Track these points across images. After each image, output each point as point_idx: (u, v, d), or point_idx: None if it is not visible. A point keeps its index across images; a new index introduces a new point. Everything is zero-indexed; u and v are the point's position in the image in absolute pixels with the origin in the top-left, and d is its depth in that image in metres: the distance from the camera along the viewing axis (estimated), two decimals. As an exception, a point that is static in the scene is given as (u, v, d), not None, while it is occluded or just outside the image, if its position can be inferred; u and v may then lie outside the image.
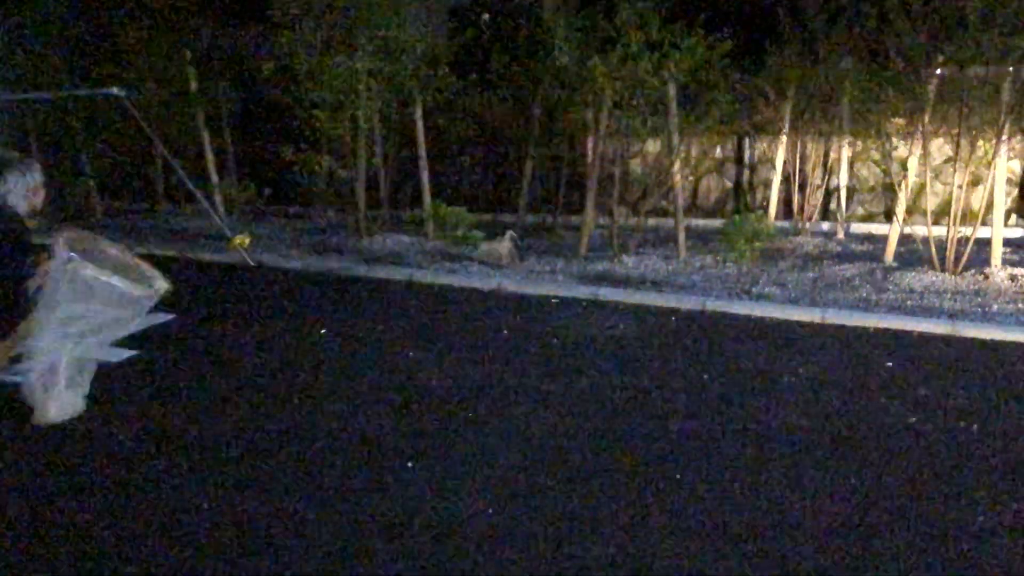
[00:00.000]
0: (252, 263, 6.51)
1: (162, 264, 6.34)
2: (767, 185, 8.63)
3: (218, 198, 7.89)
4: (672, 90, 6.95)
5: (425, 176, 7.68)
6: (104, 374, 4.41)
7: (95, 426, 3.82)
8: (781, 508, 3.17)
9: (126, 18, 7.93)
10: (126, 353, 4.67)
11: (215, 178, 8.24)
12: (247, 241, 6.62)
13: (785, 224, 8.05)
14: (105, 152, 8.26)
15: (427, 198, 7.68)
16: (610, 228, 7.26)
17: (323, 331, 5.10)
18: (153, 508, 3.14)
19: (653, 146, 8.35)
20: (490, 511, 3.13)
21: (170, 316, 5.26)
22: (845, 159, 8.23)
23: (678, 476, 3.39)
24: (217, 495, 3.24)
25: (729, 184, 9.18)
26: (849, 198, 8.45)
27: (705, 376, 4.46)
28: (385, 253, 7.06)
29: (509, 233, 6.82)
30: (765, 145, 8.84)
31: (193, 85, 8.12)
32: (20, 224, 3.97)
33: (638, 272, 6.55)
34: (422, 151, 7.66)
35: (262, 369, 4.53)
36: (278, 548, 2.89)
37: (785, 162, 8.29)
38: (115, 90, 6.31)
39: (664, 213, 8.25)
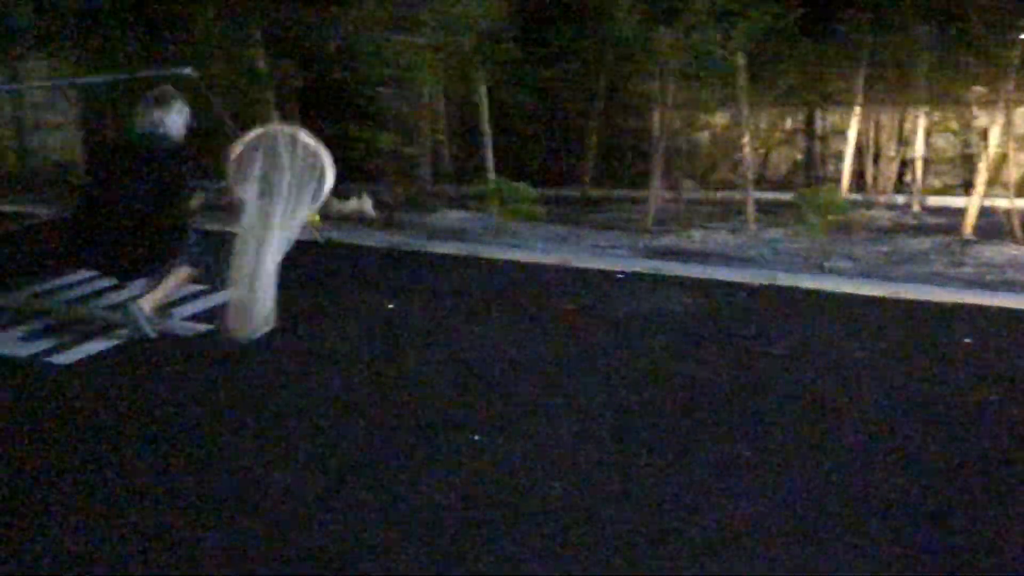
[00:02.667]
0: (321, 240, 6.61)
1: (232, 240, 6.48)
2: (839, 157, 8.41)
3: (287, 176, 8.00)
4: (740, 59, 6.80)
5: (489, 151, 7.67)
6: (184, 346, 4.54)
7: (165, 398, 3.94)
8: (848, 487, 3.11)
9: (197, 1, 8.07)
10: (200, 327, 4.79)
11: (284, 156, 8.36)
12: (317, 219, 6.70)
13: (857, 197, 7.84)
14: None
15: (491, 173, 7.67)
16: (676, 201, 7.17)
17: (390, 305, 5.15)
18: (209, 478, 3.22)
19: (721, 118, 8.20)
20: (556, 485, 3.14)
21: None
22: (921, 129, 7.96)
23: (747, 454, 3.35)
24: (282, 467, 3.31)
25: (799, 156, 8.97)
26: (925, 170, 8.18)
27: (774, 351, 4.39)
28: (449, 228, 7.10)
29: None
30: (837, 116, 8.60)
31: (261, 65, 8.23)
32: (186, 152, 4.82)
33: (705, 246, 6.47)
34: (485, 126, 7.65)
35: (330, 343, 4.61)
36: (342, 520, 2.94)
37: (858, 133, 8.06)
38: (187, 70, 6.43)
39: (732, 186, 8.11)
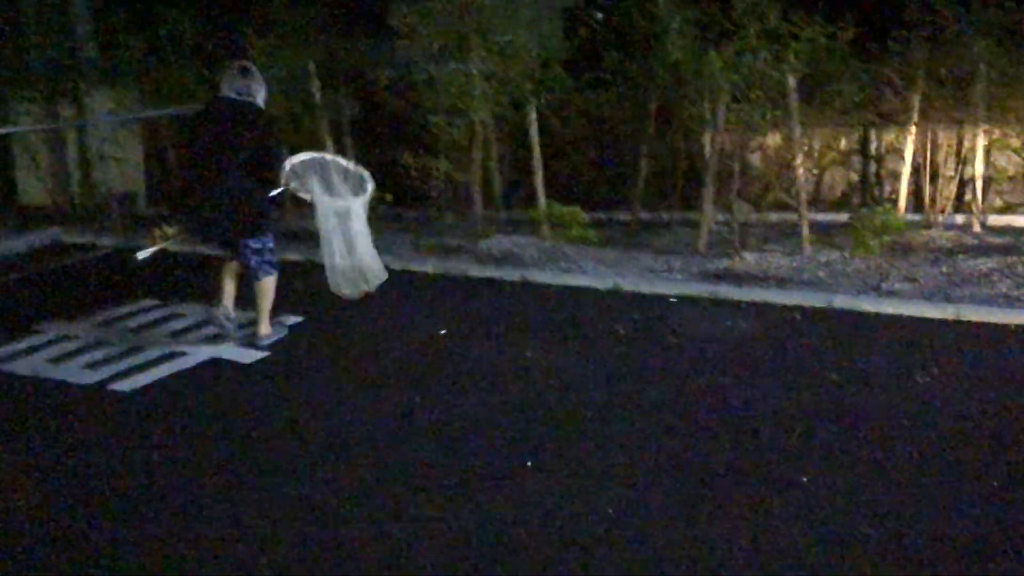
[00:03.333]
0: (374, 266, 6.69)
1: (290, 267, 6.61)
2: (895, 177, 8.25)
3: (341, 204, 8.13)
4: (792, 81, 6.74)
5: (539, 176, 7.70)
6: (242, 373, 4.63)
7: (229, 417, 4.01)
8: (918, 519, 3.05)
9: (254, 33, 8.26)
10: (257, 354, 4.88)
11: (338, 184, 8.51)
12: (367, 244, 6.80)
13: (915, 217, 7.67)
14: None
15: (541, 198, 7.70)
16: (729, 224, 7.11)
17: (442, 331, 5.19)
18: (270, 497, 3.27)
19: (773, 139, 8.11)
20: (610, 511, 3.12)
21: (298, 319, 5.46)
22: (981, 147, 7.78)
23: (804, 480, 3.31)
24: (343, 485, 3.35)
25: (855, 176, 8.82)
26: (985, 189, 7.99)
27: (832, 375, 4.32)
28: (500, 253, 7.12)
29: None
30: (892, 135, 8.44)
31: (317, 95, 8.39)
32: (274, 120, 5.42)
33: (759, 269, 6.40)
34: (536, 152, 7.68)
35: (386, 367, 4.66)
36: (395, 541, 2.97)
37: (914, 152, 7.91)
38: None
39: (786, 208, 8.00)
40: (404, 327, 5.33)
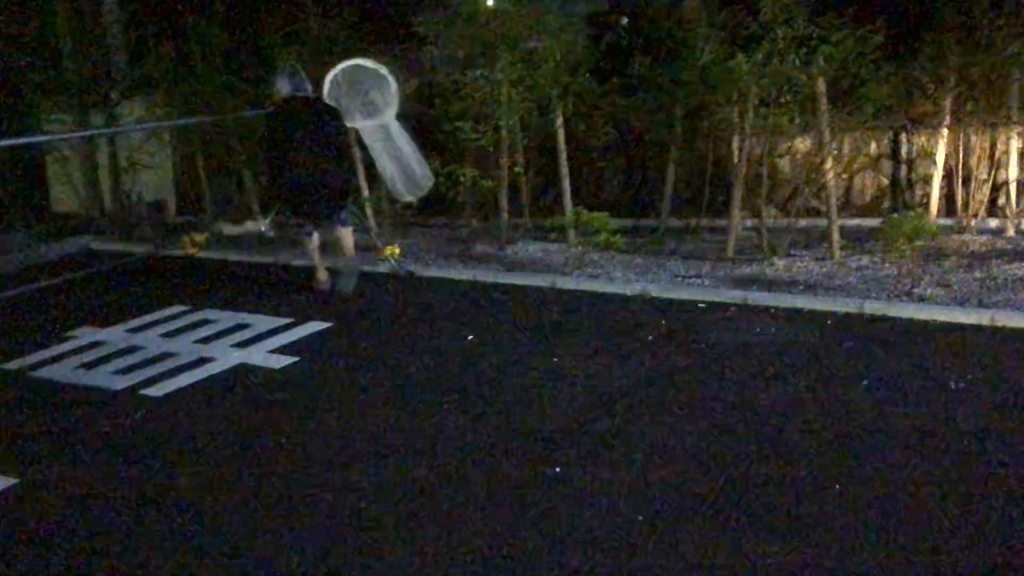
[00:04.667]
0: (402, 272, 6.71)
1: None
2: (927, 181, 8.15)
3: (369, 210, 8.16)
4: (821, 85, 6.68)
5: (566, 183, 7.69)
6: (271, 378, 4.66)
7: (259, 423, 4.03)
8: (952, 524, 2.99)
9: (284, 42, 8.32)
10: (286, 360, 4.90)
11: (366, 191, 8.54)
12: (398, 251, 6.82)
13: (948, 222, 7.57)
14: (264, 168, 8.68)
15: (568, 205, 7.68)
16: (758, 229, 7.05)
17: (470, 337, 5.18)
18: (296, 499, 3.27)
19: (802, 144, 8.04)
20: (640, 519, 3.10)
21: (326, 325, 5.48)
22: (1015, 151, 7.66)
23: (837, 487, 3.26)
24: (371, 490, 3.34)
25: (885, 181, 8.73)
26: (1019, 192, 7.87)
27: (865, 382, 4.26)
28: (527, 260, 7.11)
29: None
30: (924, 139, 8.35)
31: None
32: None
33: (789, 274, 6.34)
34: (563, 158, 7.67)
35: (414, 373, 4.65)
36: (424, 545, 2.96)
37: (947, 156, 7.81)
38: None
39: (815, 213, 7.93)
40: (432, 333, 5.34)
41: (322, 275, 6.34)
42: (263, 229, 7.76)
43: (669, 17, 7.95)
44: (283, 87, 6.18)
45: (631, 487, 3.33)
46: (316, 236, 6.29)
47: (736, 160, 7.21)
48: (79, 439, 3.99)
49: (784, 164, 8.46)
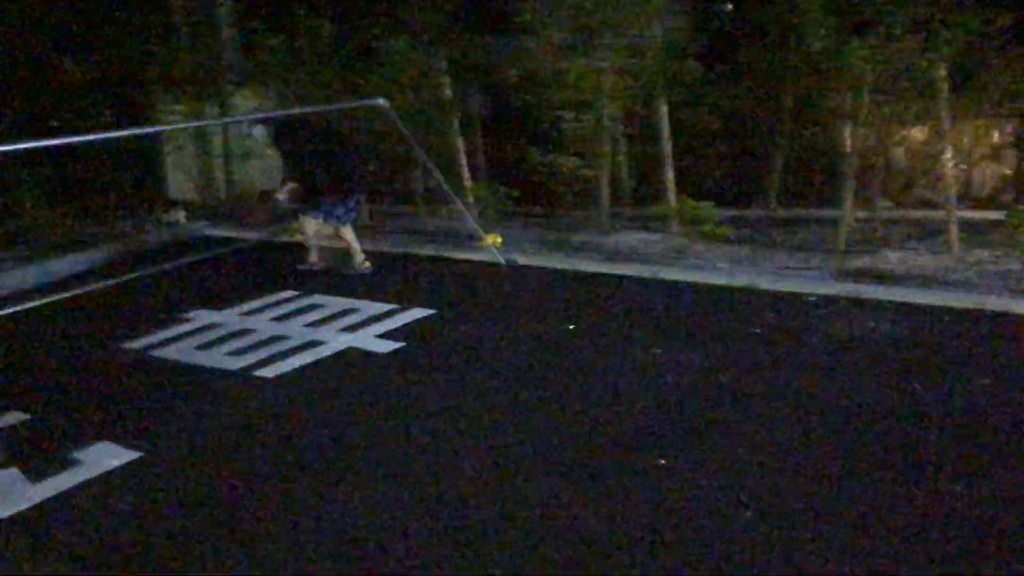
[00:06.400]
0: (503, 261, 6.74)
1: (421, 262, 6.74)
2: (1054, 171, 7.74)
3: (471, 199, 8.23)
4: (941, 70, 6.39)
5: (669, 171, 7.59)
6: (377, 362, 4.75)
7: (366, 404, 4.11)
8: (1088, 530, 2.83)
9: (387, 33, 8.46)
10: (393, 344, 4.99)
11: (468, 181, 8.62)
12: (499, 240, 6.86)
13: (1077, 214, 7.16)
14: (369, 159, 8.86)
15: (671, 193, 7.58)
16: (870, 221, 6.82)
17: (570, 326, 5.17)
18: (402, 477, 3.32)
19: (919, 132, 7.72)
20: (748, 514, 3.04)
21: (430, 312, 5.56)
22: None
23: (958, 488, 3.13)
24: (473, 473, 3.37)
25: (1008, 172, 8.31)
26: None
27: (985, 381, 4.07)
28: (628, 250, 7.05)
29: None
30: (1051, 127, 7.91)
31: (447, 93, 8.52)
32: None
33: (903, 268, 6.10)
34: (667, 147, 7.57)
35: (514, 360, 4.68)
36: (524, 531, 2.97)
37: (1077, 145, 7.39)
38: (380, 101, 6.75)
39: (931, 204, 7.61)
40: (532, 322, 5.34)
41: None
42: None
43: (776, 1, 7.73)
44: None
45: (737, 482, 3.26)
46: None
47: (848, 149, 6.97)
48: (197, 416, 4.15)
49: (899, 153, 8.15)
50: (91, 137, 7.02)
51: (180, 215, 8.93)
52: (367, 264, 6.81)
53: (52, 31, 9.10)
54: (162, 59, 9.17)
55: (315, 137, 6.93)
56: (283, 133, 6.87)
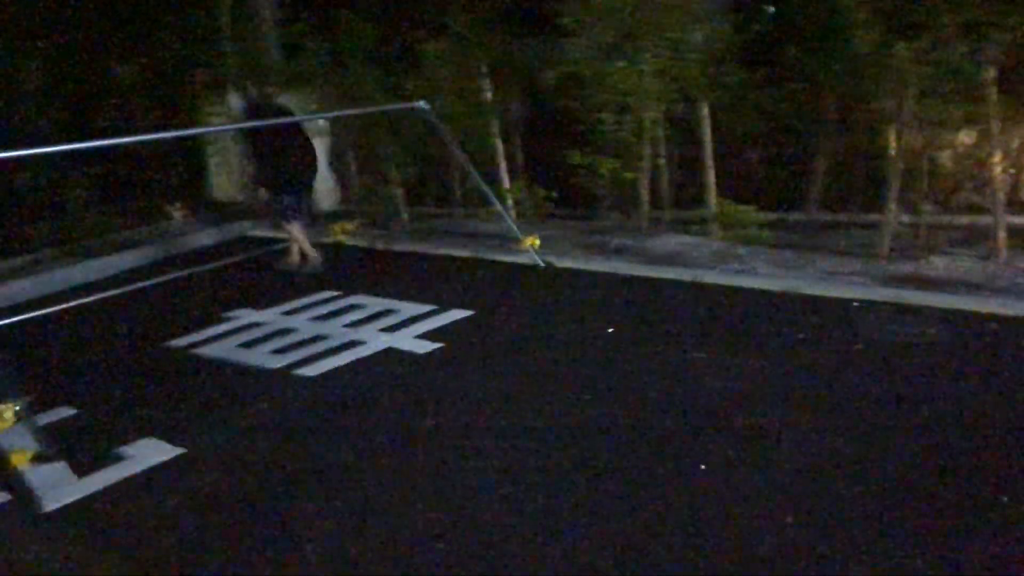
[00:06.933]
0: (541, 263, 6.74)
1: (459, 264, 6.77)
2: (1106, 177, 7.55)
3: (509, 201, 8.24)
4: (991, 74, 6.27)
5: (711, 175, 7.53)
6: (416, 362, 4.78)
7: (404, 404, 4.13)
8: None
9: (429, 36, 8.52)
10: (431, 345, 5.01)
11: (506, 183, 8.63)
12: (537, 242, 6.86)
13: None
14: (409, 161, 8.92)
15: (712, 197, 7.53)
16: (915, 226, 6.71)
17: (610, 330, 5.15)
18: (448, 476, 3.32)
19: (966, 136, 7.58)
20: (789, 520, 3.00)
21: (469, 313, 5.57)
22: None
23: (1005, 499, 3.06)
24: (510, 475, 3.37)
25: (1058, 176, 8.13)
26: None
27: (1036, 389, 3.98)
28: (668, 253, 7.01)
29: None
30: (1104, 130, 7.72)
31: (487, 96, 8.55)
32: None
33: (948, 274, 6.00)
34: (707, 150, 7.52)
35: (553, 363, 4.67)
36: (566, 535, 2.96)
37: None
38: (421, 103, 6.79)
39: (978, 210, 7.47)
40: (571, 324, 5.33)
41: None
42: None
43: (819, 4, 7.64)
44: (259, 98, 7.29)
45: (778, 487, 3.23)
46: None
47: (892, 153, 6.87)
48: (239, 414, 4.21)
49: (944, 157, 8.01)
50: (137, 139, 7.21)
51: (177, 213, 9.03)
52: (313, 262, 7.10)
53: (102, 35, 9.29)
54: (208, 61, 9.31)
55: (263, 130, 6.97)
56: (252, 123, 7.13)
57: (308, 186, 7.28)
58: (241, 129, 7.13)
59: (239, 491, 3.42)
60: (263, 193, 7.20)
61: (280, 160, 6.96)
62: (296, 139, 7.11)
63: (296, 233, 7.10)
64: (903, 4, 6.50)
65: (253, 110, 7.20)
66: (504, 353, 4.89)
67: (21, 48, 8.44)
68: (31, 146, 7.82)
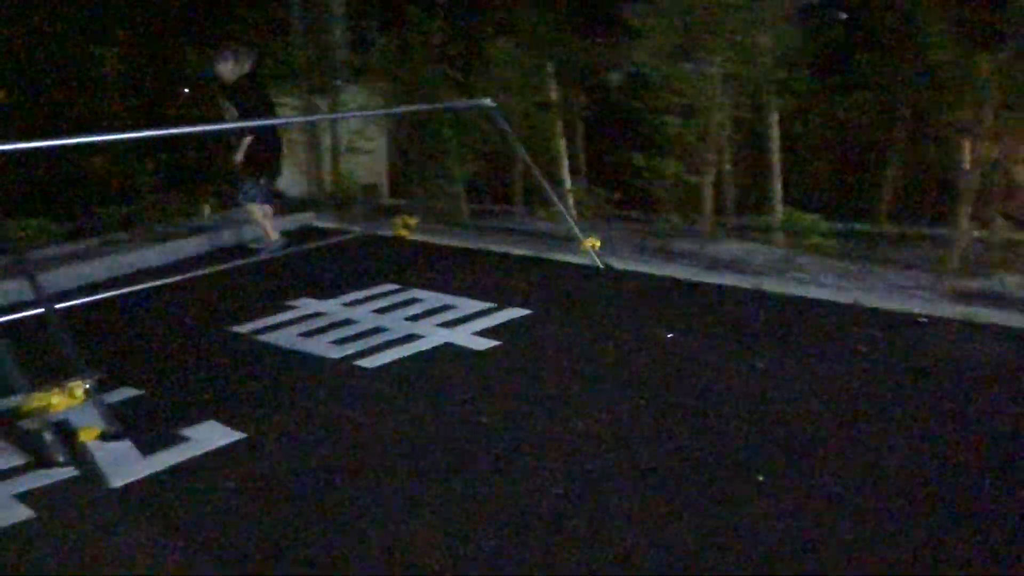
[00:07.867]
0: (600, 265, 6.72)
1: (518, 262, 6.77)
2: None
3: (571, 202, 8.23)
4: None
5: (777, 182, 7.43)
6: (473, 359, 4.80)
7: (461, 399, 4.16)
8: None
9: (496, 35, 8.54)
10: (489, 343, 5.03)
11: (568, 183, 8.62)
12: (597, 244, 6.84)
13: None
14: (471, 157, 8.97)
15: (778, 204, 7.42)
16: (987, 241, 6.53)
17: (668, 335, 5.12)
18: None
19: (1046, 150, 7.35)
20: (847, 537, 2.95)
21: (526, 312, 5.58)
22: None
23: (1079, 527, 2.97)
24: (562, 477, 3.36)
25: None
26: None
27: (1112, 415, 3.85)
28: (730, 259, 6.93)
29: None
30: None
31: (553, 96, 8.54)
32: None
33: (1022, 292, 5.82)
34: (775, 157, 7.42)
35: (610, 366, 4.65)
36: (618, 544, 2.95)
37: None
38: (487, 101, 6.82)
39: (1055, 227, 7.24)
40: (629, 327, 5.30)
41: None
42: None
43: (895, 11, 7.48)
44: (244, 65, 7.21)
45: (838, 503, 3.17)
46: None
47: (967, 165, 6.70)
48: (299, 401, 4.27)
49: (1021, 172, 7.78)
50: (204, 128, 7.39)
51: (205, 209, 9.10)
52: (273, 243, 7.47)
53: (179, 25, 9.51)
54: (277, 54, 9.47)
55: (264, 114, 7.29)
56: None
57: (280, 171, 7.84)
58: (253, 112, 7.15)
59: (298, 477, 3.48)
60: (243, 170, 7.29)
61: (273, 143, 7.38)
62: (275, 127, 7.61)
63: (259, 216, 7.42)
64: (985, 14, 6.34)
65: (241, 82, 7.27)
66: (561, 354, 4.89)
67: (101, 37, 8.67)
68: (108, 132, 8.08)
